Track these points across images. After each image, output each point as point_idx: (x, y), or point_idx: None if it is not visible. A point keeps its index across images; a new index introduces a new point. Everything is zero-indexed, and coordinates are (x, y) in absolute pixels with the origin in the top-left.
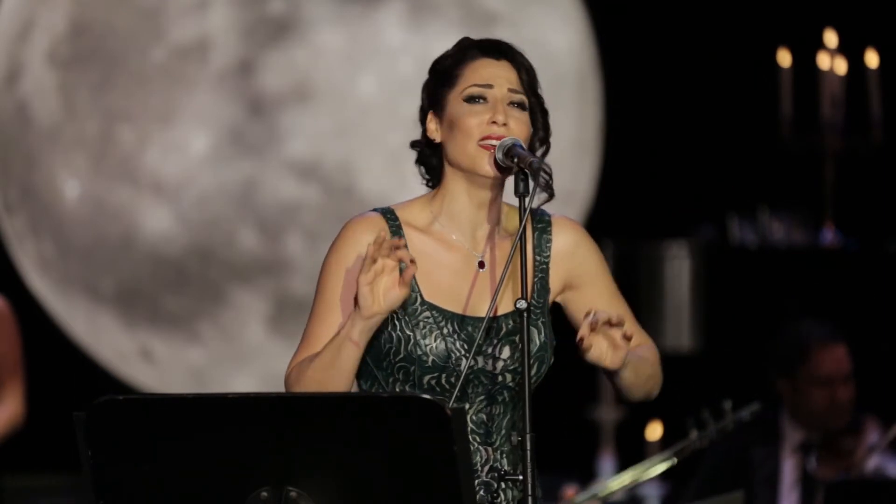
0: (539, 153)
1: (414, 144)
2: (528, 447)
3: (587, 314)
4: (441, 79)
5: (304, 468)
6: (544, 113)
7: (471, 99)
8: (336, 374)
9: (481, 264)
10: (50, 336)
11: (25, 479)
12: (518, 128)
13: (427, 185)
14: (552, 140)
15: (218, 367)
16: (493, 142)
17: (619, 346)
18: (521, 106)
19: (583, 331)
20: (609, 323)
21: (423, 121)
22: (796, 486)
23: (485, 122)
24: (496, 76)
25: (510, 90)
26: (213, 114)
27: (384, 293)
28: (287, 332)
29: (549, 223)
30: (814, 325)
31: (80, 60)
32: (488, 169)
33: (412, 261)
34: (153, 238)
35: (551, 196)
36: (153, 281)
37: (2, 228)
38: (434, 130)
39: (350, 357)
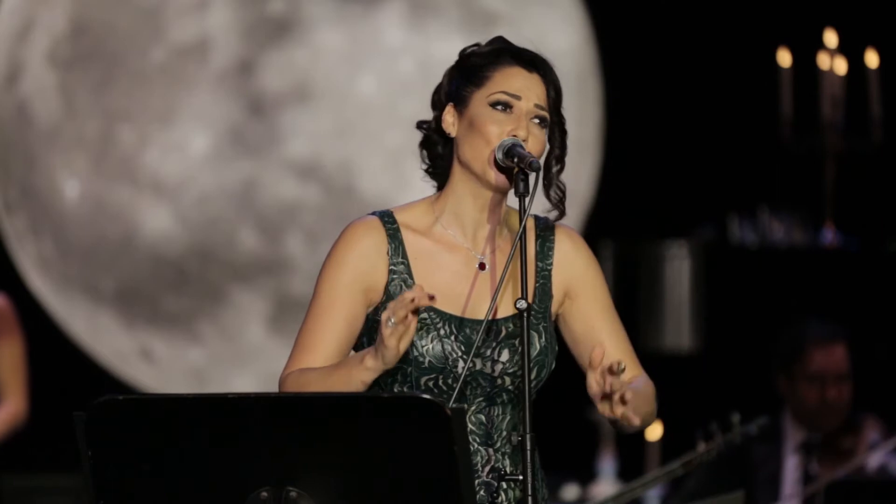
0: (554, 171)
1: (420, 125)
2: (528, 447)
3: (594, 354)
4: (468, 75)
5: (304, 468)
6: (563, 133)
7: (497, 105)
8: None
9: (482, 265)
10: (50, 336)
11: (25, 479)
12: (535, 144)
13: (427, 171)
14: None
15: (218, 367)
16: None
17: (619, 403)
18: (542, 122)
19: (592, 377)
20: (611, 370)
21: (435, 105)
22: (798, 485)
23: (505, 133)
24: (527, 88)
25: (536, 105)
26: (213, 114)
27: (392, 345)
28: (287, 332)
29: (552, 231)
30: (815, 324)
31: (80, 60)
32: (498, 180)
33: (432, 297)
34: (153, 238)
35: (562, 214)
36: (153, 281)
37: (2, 228)
38: (451, 124)
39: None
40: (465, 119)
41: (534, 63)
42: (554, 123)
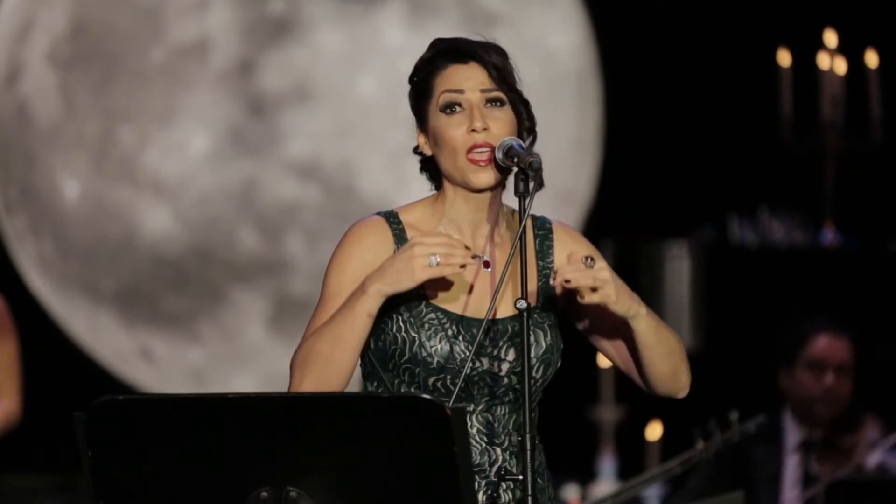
0: (527, 143)
1: (415, 150)
2: (529, 447)
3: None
4: (418, 91)
5: (304, 468)
6: (525, 104)
7: (446, 108)
8: (348, 348)
9: (486, 264)
10: (50, 336)
11: (25, 479)
12: (499, 128)
13: (436, 188)
14: (552, 138)
15: (218, 367)
16: (480, 151)
17: (594, 282)
18: (499, 103)
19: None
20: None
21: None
22: (798, 484)
23: (465, 132)
24: (465, 79)
25: (482, 91)
26: (213, 114)
27: (421, 269)
28: (287, 332)
29: (549, 230)
30: (820, 317)
31: (80, 60)
32: (480, 182)
33: (483, 260)
34: (153, 238)
35: (541, 185)
36: (153, 281)
37: (2, 228)
38: (424, 144)
39: (365, 331)
40: (430, 136)
41: (466, 54)
42: (512, 99)
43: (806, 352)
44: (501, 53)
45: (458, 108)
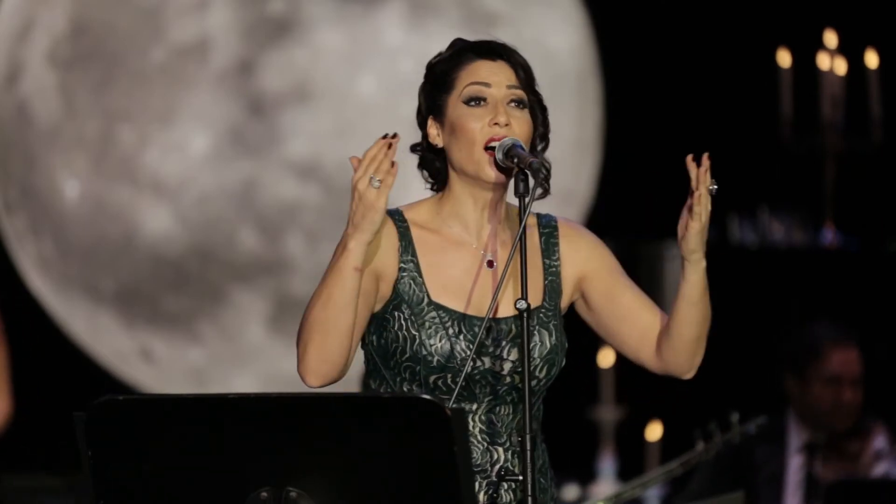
0: (539, 149)
1: (414, 148)
2: (529, 447)
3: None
4: (437, 83)
5: (304, 468)
6: (543, 109)
7: (470, 101)
8: (342, 307)
9: (490, 263)
10: (50, 336)
11: (25, 479)
12: (520, 127)
13: (432, 188)
14: (552, 138)
15: (218, 367)
16: (496, 144)
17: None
18: (520, 104)
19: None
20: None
21: (421, 125)
22: (800, 486)
23: (486, 125)
24: (494, 74)
25: (509, 87)
26: (213, 114)
27: (375, 198)
28: (287, 331)
29: (555, 227)
30: (828, 325)
31: (80, 60)
32: (493, 174)
33: (394, 135)
34: (153, 238)
35: (546, 192)
36: (153, 281)
37: (2, 228)
38: (436, 136)
39: (355, 286)
40: (446, 126)
41: (495, 51)
42: (532, 102)
43: (821, 367)
44: (524, 59)
45: (482, 102)
